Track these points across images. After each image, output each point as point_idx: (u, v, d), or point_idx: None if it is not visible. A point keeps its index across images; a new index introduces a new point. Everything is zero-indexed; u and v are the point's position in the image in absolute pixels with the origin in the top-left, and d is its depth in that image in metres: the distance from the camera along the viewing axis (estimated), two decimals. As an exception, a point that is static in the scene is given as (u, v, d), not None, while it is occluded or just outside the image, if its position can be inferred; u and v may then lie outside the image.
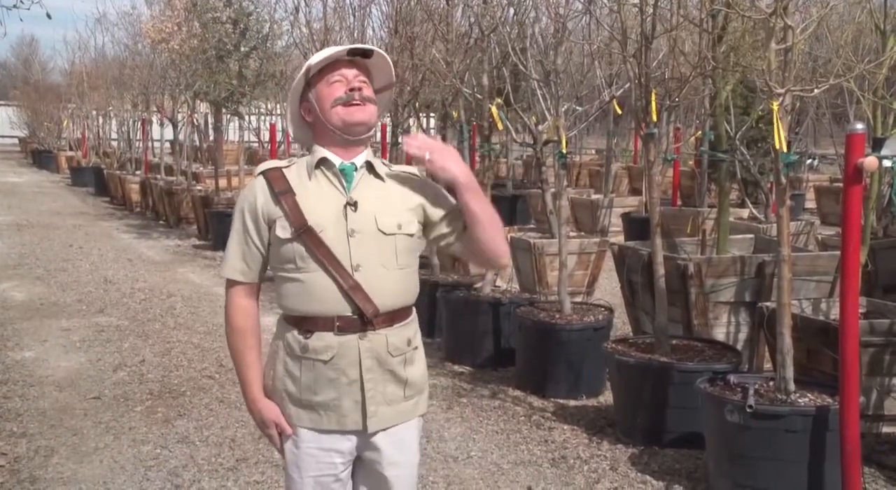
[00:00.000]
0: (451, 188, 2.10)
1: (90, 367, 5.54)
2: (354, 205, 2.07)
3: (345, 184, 2.10)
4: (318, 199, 2.08)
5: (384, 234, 2.07)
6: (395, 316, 2.11)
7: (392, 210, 2.10)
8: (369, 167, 2.13)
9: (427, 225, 2.18)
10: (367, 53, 2.13)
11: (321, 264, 2.04)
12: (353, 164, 2.12)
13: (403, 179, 2.17)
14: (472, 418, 4.58)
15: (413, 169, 2.24)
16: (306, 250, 2.05)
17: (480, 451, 4.13)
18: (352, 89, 2.07)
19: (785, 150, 3.37)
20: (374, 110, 2.12)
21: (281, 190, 2.08)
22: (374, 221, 2.07)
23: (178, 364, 5.62)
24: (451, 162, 2.05)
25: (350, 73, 2.10)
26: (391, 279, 2.09)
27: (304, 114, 2.16)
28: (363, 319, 2.06)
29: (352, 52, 2.10)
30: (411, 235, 2.12)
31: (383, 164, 2.19)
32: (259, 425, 2.18)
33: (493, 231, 2.12)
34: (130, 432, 4.38)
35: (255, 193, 2.11)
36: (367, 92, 2.10)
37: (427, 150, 2.04)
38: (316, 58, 2.10)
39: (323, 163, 2.12)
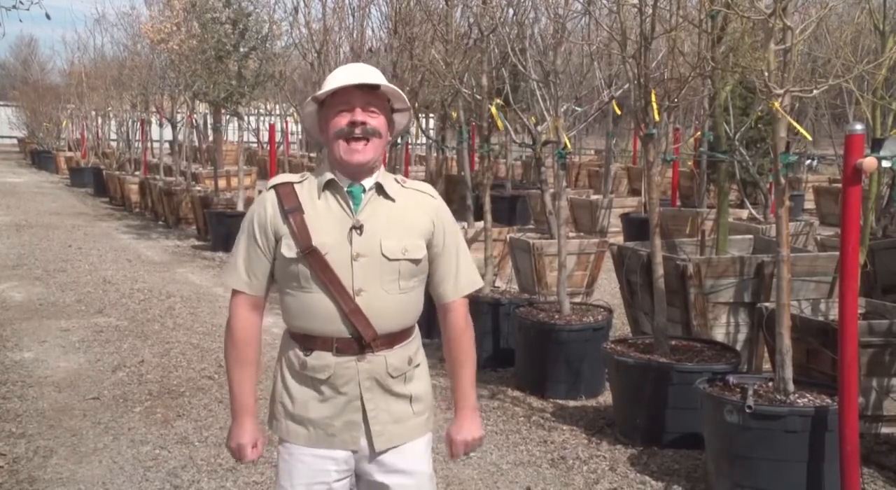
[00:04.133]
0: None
1: (89, 368, 5.53)
2: (360, 228, 2.05)
3: (352, 206, 2.08)
4: (325, 219, 2.06)
5: (388, 259, 2.05)
6: (395, 338, 2.10)
7: (399, 234, 2.07)
8: (379, 188, 2.10)
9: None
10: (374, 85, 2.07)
11: (323, 286, 2.03)
12: (361, 186, 2.09)
13: (417, 201, 2.13)
14: (471, 419, 4.57)
15: (428, 187, 2.20)
16: (310, 271, 2.03)
17: (480, 451, 4.12)
18: (353, 123, 2.03)
19: (808, 137, 3.37)
20: (378, 143, 2.07)
21: (290, 207, 2.06)
22: (379, 246, 2.05)
23: (177, 364, 5.61)
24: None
25: (357, 101, 2.04)
26: (392, 303, 2.08)
27: (321, 132, 2.15)
28: (361, 342, 2.05)
29: (359, 85, 2.05)
30: (416, 261, 2.09)
31: (396, 181, 2.15)
32: (235, 437, 2.15)
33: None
34: (129, 433, 4.37)
35: (265, 206, 2.10)
36: (373, 123, 2.05)
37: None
38: (324, 86, 2.07)
39: (330, 185, 2.09)
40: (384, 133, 2.09)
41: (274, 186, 2.11)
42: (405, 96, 2.16)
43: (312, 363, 2.07)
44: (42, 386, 5.16)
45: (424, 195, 2.16)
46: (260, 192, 2.18)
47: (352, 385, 2.07)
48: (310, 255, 2.03)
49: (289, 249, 2.05)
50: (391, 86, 2.10)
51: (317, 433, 2.09)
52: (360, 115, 2.04)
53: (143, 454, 4.09)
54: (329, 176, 2.09)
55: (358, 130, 2.04)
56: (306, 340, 2.09)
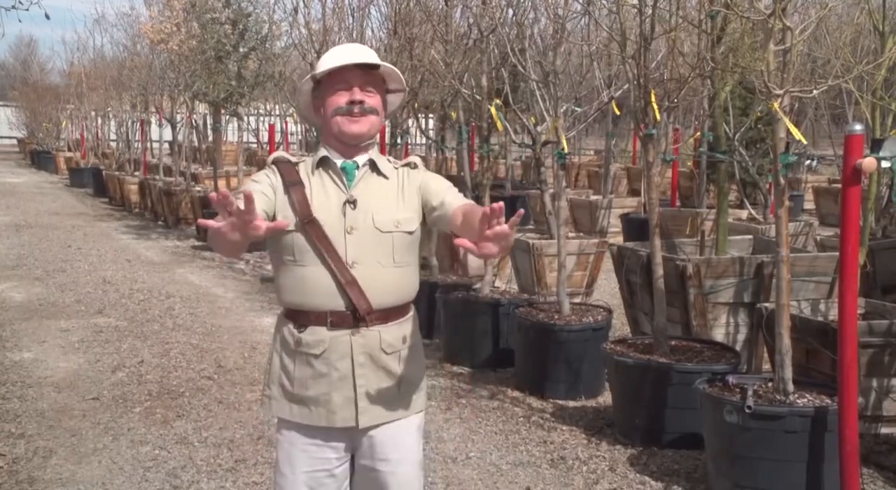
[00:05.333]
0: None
1: (89, 368, 5.53)
2: (353, 203, 2.09)
3: (346, 182, 2.12)
4: (319, 195, 2.10)
5: (381, 231, 2.08)
6: (390, 313, 2.12)
7: (391, 208, 2.11)
8: (372, 165, 2.15)
9: (430, 206, 2.17)
10: (374, 65, 2.12)
11: (320, 257, 2.05)
12: (354, 162, 2.14)
13: (407, 177, 2.17)
14: (470, 419, 4.57)
15: (414, 159, 2.23)
16: (307, 241, 2.06)
17: (479, 451, 4.13)
18: (352, 102, 2.07)
19: (803, 140, 3.38)
20: (375, 121, 2.12)
21: (291, 180, 2.10)
22: (372, 219, 2.09)
23: (176, 365, 5.61)
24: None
25: (356, 80, 2.08)
26: (387, 276, 2.10)
27: (314, 111, 2.18)
28: (356, 315, 2.07)
29: (358, 65, 2.09)
30: (410, 233, 2.13)
31: (389, 161, 2.19)
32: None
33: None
34: (129, 433, 4.37)
35: (268, 175, 2.13)
36: (371, 102, 2.10)
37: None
38: (322, 65, 2.10)
39: (323, 162, 2.14)
40: (381, 112, 2.14)
41: (275, 162, 2.15)
42: (402, 76, 2.20)
43: (307, 339, 2.09)
44: (41, 386, 5.16)
45: (412, 170, 2.20)
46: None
47: (345, 361, 2.08)
48: (308, 224, 2.05)
49: (286, 221, 2.05)
50: (389, 66, 2.15)
51: (318, 411, 2.10)
52: (358, 95, 2.08)
53: (142, 454, 4.09)
54: (322, 153, 2.14)
55: (356, 109, 2.08)
56: (300, 316, 2.10)
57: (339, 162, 2.13)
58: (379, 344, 2.10)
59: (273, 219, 2.07)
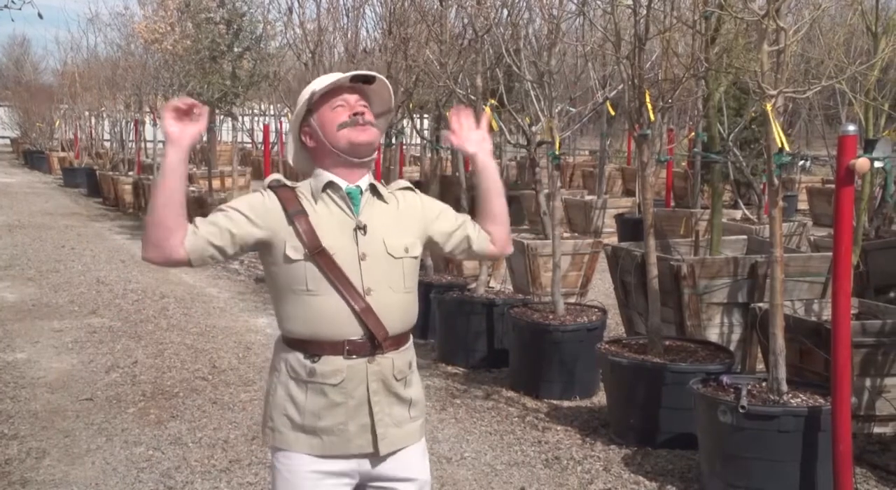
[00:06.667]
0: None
1: (82, 369, 5.51)
2: (363, 228, 2.06)
3: (352, 207, 2.09)
4: (326, 222, 2.05)
5: (393, 257, 2.07)
6: (401, 339, 2.11)
7: (399, 232, 2.11)
8: (373, 190, 2.13)
9: (433, 242, 2.20)
10: (368, 79, 2.13)
11: (334, 286, 2.01)
12: (358, 187, 2.11)
13: (404, 199, 2.18)
14: (465, 419, 4.58)
15: (403, 183, 2.25)
16: (319, 272, 2.01)
17: (474, 452, 4.13)
18: (355, 114, 2.08)
19: (786, 147, 3.40)
20: (377, 133, 2.13)
21: (294, 210, 2.04)
22: (384, 245, 2.07)
23: (170, 365, 5.60)
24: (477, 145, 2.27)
25: (352, 98, 2.10)
26: (399, 302, 2.09)
27: (305, 139, 2.14)
28: (373, 343, 2.04)
29: (354, 79, 2.10)
30: (416, 258, 2.14)
31: (381, 185, 2.19)
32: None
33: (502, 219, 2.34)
34: (123, 434, 4.36)
35: (264, 203, 2.05)
36: (369, 116, 2.11)
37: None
38: (319, 84, 2.10)
39: (330, 186, 2.09)
40: (378, 127, 2.15)
41: (273, 189, 2.08)
42: (392, 96, 2.21)
43: (322, 369, 2.03)
44: (35, 387, 5.14)
45: (406, 192, 2.21)
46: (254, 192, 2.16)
47: (361, 388, 2.05)
48: (318, 255, 2.01)
49: (295, 251, 2.01)
50: (383, 79, 2.16)
51: (331, 441, 2.05)
52: (358, 107, 2.10)
53: (136, 455, 4.08)
54: (328, 177, 2.09)
55: (360, 119, 2.08)
56: (311, 346, 2.04)
57: (343, 186, 2.09)
58: (392, 371, 2.08)
59: (283, 247, 2.02)
